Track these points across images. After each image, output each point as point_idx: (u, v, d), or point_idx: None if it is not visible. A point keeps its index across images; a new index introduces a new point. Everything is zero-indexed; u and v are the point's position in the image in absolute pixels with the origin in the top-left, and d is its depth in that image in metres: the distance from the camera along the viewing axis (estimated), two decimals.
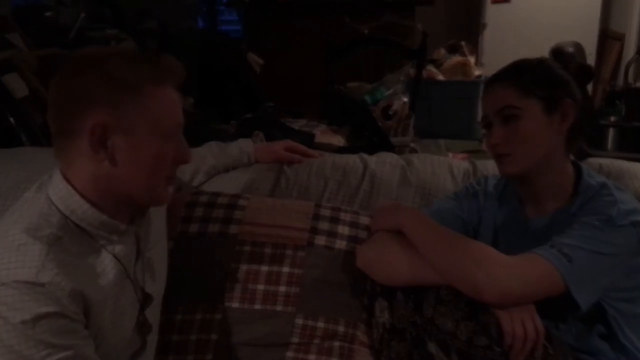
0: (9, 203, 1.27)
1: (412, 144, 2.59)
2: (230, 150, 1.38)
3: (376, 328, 1.16)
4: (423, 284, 1.05)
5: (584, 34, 3.87)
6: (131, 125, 0.85)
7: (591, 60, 3.82)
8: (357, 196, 1.36)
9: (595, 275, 0.98)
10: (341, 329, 1.18)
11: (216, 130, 2.09)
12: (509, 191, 1.20)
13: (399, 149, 2.25)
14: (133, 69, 0.85)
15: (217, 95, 2.51)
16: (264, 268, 1.21)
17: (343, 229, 1.25)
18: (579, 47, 2.79)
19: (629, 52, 3.94)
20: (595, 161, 1.36)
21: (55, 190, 0.87)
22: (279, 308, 1.18)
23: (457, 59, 3.82)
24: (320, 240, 1.23)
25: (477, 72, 3.81)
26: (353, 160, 1.43)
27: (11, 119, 1.80)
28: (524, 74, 1.10)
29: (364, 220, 1.27)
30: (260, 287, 1.20)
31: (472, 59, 3.87)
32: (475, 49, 4.19)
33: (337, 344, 1.17)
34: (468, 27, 4.54)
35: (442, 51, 3.93)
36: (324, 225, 1.25)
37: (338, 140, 2.12)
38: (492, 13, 4.36)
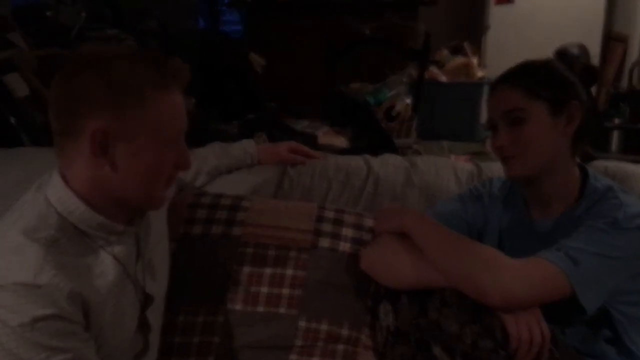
0: (10, 203, 1.25)
1: (414, 146, 2.59)
2: (233, 151, 1.38)
3: (380, 331, 1.15)
4: (427, 287, 1.05)
5: (588, 35, 3.86)
6: (132, 132, 0.84)
7: (595, 62, 3.81)
8: (361, 198, 1.36)
9: (601, 279, 0.97)
10: (345, 331, 1.18)
11: (218, 130, 2.09)
12: (514, 194, 1.19)
13: (401, 150, 2.24)
14: (136, 73, 0.84)
15: (218, 95, 2.51)
16: (267, 270, 1.20)
17: (347, 231, 1.25)
18: (583, 49, 2.78)
19: (633, 54, 3.94)
20: (600, 164, 1.36)
21: (54, 191, 0.87)
22: (282, 310, 1.18)
23: (460, 60, 3.80)
24: (324, 242, 1.23)
25: (480, 74, 3.79)
26: (356, 161, 1.43)
27: (12, 119, 1.79)
28: (529, 76, 1.09)
29: (368, 222, 1.27)
30: (264, 289, 1.19)
31: (475, 60, 3.85)
32: (478, 50, 4.17)
33: (340, 346, 1.17)
34: (471, 28, 4.53)
35: (445, 52, 3.91)
36: (327, 227, 1.24)
37: (341, 142, 2.12)
38: (496, 14, 4.36)
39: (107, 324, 0.88)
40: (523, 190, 1.16)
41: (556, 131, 1.07)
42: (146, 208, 0.96)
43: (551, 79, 1.09)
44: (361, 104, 2.49)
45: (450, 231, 1.10)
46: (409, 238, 1.10)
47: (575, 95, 1.08)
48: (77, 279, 0.83)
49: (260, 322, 1.17)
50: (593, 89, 1.21)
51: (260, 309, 1.18)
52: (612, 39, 4.27)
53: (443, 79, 3.72)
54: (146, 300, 0.99)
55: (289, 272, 1.20)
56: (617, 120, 3.06)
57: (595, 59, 3.74)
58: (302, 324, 1.17)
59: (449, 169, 1.41)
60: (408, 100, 2.66)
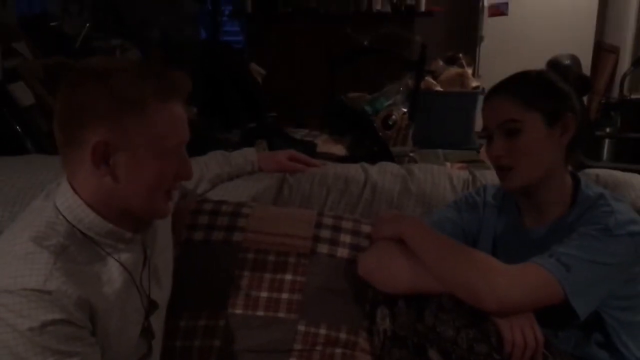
0: (16, 209, 1.28)
1: (411, 154, 2.61)
2: (235, 159, 1.39)
3: (377, 335, 1.16)
4: (424, 292, 1.06)
5: (580, 46, 3.91)
6: (133, 144, 0.85)
7: (586, 72, 3.86)
8: (359, 205, 1.38)
9: (593, 285, 0.99)
10: (343, 336, 1.19)
11: (219, 139, 2.11)
12: (507, 201, 1.21)
13: (398, 158, 2.26)
14: (137, 85, 0.84)
15: (220, 104, 2.53)
16: (267, 275, 1.22)
17: (345, 237, 1.26)
18: (575, 60, 2.82)
19: (624, 65, 3.99)
20: (592, 172, 1.38)
21: (62, 200, 0.88)
22: (281, 315, 1.19)
23: (454, 70, 3.86)
24: (323, 248, 1.25)
25: (474, 84, 3.84)
26: (355, 169, 1.45)
27: (17, 127, 1.80)
28: (524, 87, 1.10)
29: (366, 228, 1.28)
30: (264, 294, 1.21)
31: (469, 71, 3.90)
32: (472, 60, 4.23)
33: (338, 350, 1.18)
34: (466, 39, 4.58)
35: (440, 62, 3.96)
36: (326, 234, 1.26)
37: (339, 150, 2.14)
38: (490, 26, 4.41)
39: (113, 330, 0.90)
40: (517, 198, 1.18)
41: (551, 142, 1.08)
42: (150, 218, 0.97)
43: (546, 90, 1.10)
44: (359, 113, 2.52)
45: (446, 238, 1.11)
46: (406, 244, 1.12)
47: (570, 106, 1.09)
48: (85, 286, 0.84)
49: (260, 326, 1.18)
50: (585, 99, 1.23)
51: (260, 313, 1.19)
52: (603, 50, 4.33)
53: (438, 88, 3.77)
54: (150, 306, 1.00)
55: (289, 277, 1.22)
56: (608, 129, 3.10)
57: (586, 69, 3.80)
58: (301, 328, 1.18)
59: (445, 177, 1.42)
60: (404, 109, 2.69)
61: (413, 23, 3.61)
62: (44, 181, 1.31)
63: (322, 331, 1.19)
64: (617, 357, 1.06)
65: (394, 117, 2.64)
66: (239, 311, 1.19)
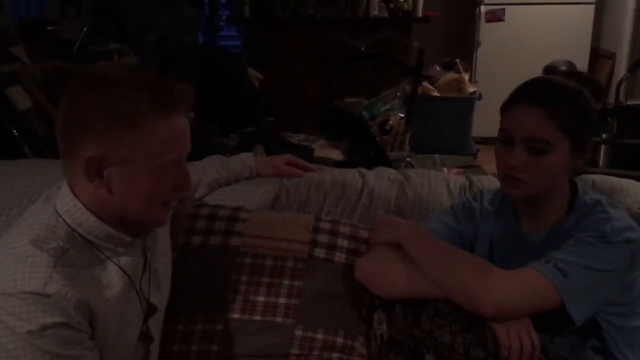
0: (14, 214, 1.28)
1: (408, 159, 2.62)
2: (232, 164, 1.40)
3: (374, 340, 1.17)
4: (421, 297, 1.06)
5: (576, 52, 3.94)
6: (128, 159, 0.84)
7: None
8: (356, 210, 1.38)
9: (589, 291, 0.99)
10: (340, 340, 1.20)
11: (216, 144, 2.11)
12: (505, 206, 1.21)
13: (395, 163, 2.27)
14: (135, 100, 0.82)
15: (217, 109, 2.53)
16: (265, 280, 1.22)
17: (342, 242, 1.27)
18: (572, 66, 2.84)
19: (620, 71, 4.02)
20: (588, 177, 1.39)
21: (63, 203, 0.88)
22: (279, 319, 1.20)
23: (451, 75, 3.87)
24: (320, 252, 1.25)
25: (471, 89, 3.85)
26: (352, 174, 1.45)
27: (14, 131, 1.80)
28: (562, 107, 1.04)
29: (363, 233, 1.29)
30: (261, 298, 1.21)
31: (466, 76, 3.92)
32: (469, 66, 4.24)
33: (335, 355, 1.18)
34: (463, 45, 4.60)
35: (437, 68, 3.98)
36: (323, 238, 1.26)
37: (337, 155, 2.14)
38: (486, 31, 4.44)
39: (112, 333, 0.90)
40: (515, 203, 1.18)
41: (569, 165, 1.07)
42: (147, 226, 0.96)
43: (582, 116, 1.06)
44: (357, 118, 2.52)
45: (443, 243, 1.12)
46: (403, 249, 1.12)
47: (594, 132, 1.08)
48: (85, 290, 0.84)
49: (257, 331, 1.18)
50: None
51: (258, 317, 1.19)
52: (600, 56, 4.36)
53: (435, 94, 3.78)
54: (150, 310, 1.00)
55: (286, 282, 1.22)
56: (604, 135, 3.11)
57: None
58: (299, 332, 1.19)
59: (442, 182, 1.43)
60: (402, 115, 2.70)
61: (410, 28, 3.63)
62: (42, 185, 1.31)
63: (320, 336, 1.19)
64: None
65: (391, 122, 2.65)
66: (236, 316, 1.19)
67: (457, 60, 3.98)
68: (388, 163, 2.01)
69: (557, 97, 1.06)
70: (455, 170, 2.81)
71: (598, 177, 1.39)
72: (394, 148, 2.62)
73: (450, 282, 1.03)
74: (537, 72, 2.88)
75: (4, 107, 1.77)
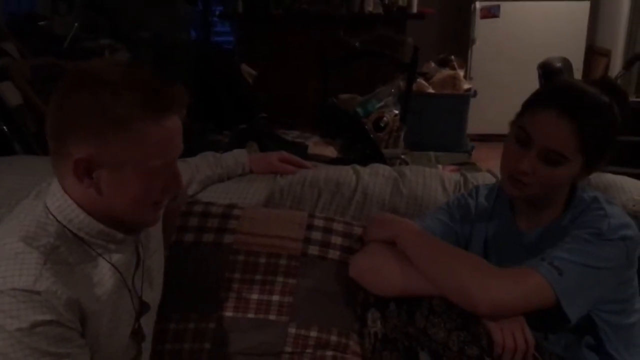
0: (3, 211, 1.26)
1: (402, 156, 2.61)
2: (225, 161, 1.39)
3: (368, 338, 1.16)
4: (416, 295, 1.06)
5: (571, 49, 3.95)
6: (117, 161, 0.83)
7: (578, 75, 3.90)
8: (350, 207, 1.38)
9: (585, 289, 0.99)
10: (334, 338, 1.19)
11: (210, 141, 2.10)
12: (501, 203, 1.21)
13: (389, 160, 2.26)
14: (126, 102, 0.81)
15: (210, 106, 2.52)
16: (258, 277, 1.22)
17: (336, 239, 1.26)
18: (566, 63, 2.84)
19: (615, 68, 4.03)
20: None
21: (53, 200, 0.87)
22: (272, 317, 1.19)
23: (446, 72, 3.87)
24: (314, 250, 1.24)
25: (466, 86, 3.86)
26: (346, 171, 1.44)
27: (4, 127, 1.79)
28: (591, 124, 1.01)
29: (357, 230, 1.28)
30: (254, 296, 1.20)
31: (461, 73, 3.92)
32: (464, 63, 4.24)
33: (329, 353, 1.18)
34: (458, 41, 4.60)
35: (432, 65, 3.98)
36: (317, 236, 1.26)
37: (331, 152, 2.14)
38: (481, 28, 4.44)
39: (104, 331, 0.89)
40: (512, 200, 1.17)
41: (574, 180, 1.07)
42: (138, 226, 0.96)
43: (607, 136, 1.04)
44: (351, 115, 2.52)
45: (439, 241, 1.11)
46: (398, 247, 1.12)
47: (608, 153, 1.06)
48: (76, 287, 0.84)
49: (250, 329, 1.18)
50: None
51: (251, 315, 1.19)
52: (595, 53, 4.37)
53: (430, 90, 3.78)
54: (142, 308, 0.99)
55: (279, 279, 1.22)
56: None
57: (578, 72, 3.83)
58: (292, 330, 1.18)
59: (437, 179, 1.42)
60: (396, 111, 2.69)
61: (405, 25, 3.61)
62: (32, 182, 1.28)
63: (313, 334, 1.19)
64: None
65: (385, 119, 2.64)
66: (229, 314, 1.19)
67: (452, 57, 3.98)
68: (382, 160, 2.01)
69: (588, 114, 1.02)
70: (450, 167, 2.80)
71: (594, 174, 1.38)
72: (388, 145, 2.61)
73: (446, 281, 1.02)
74: (532, 69, 2.89)
75: None
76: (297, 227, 1.27)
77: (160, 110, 0.84)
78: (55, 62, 1.99)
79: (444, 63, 3.97)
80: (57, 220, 0.86)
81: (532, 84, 1.81)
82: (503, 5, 4.38)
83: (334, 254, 1.24)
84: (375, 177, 1.42)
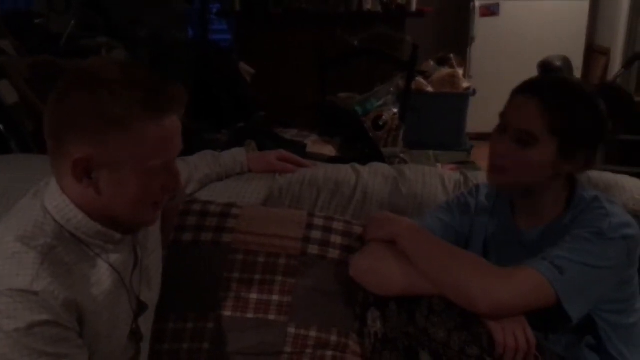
0: (1, 209, 1.25)
1: (401, 155, 2.61)
2: (224, 160, 1.38)
3: (368, 338, 1.16)
4: (416, 294, 1.06)
5: (571, 48, 3.94)
6: (116, 161, 0.83)
7: (577, 74, 3.90)
8: (350, 206, 1.37)
9: (586, 288, 0.99)
10: (333, 338, 1.19)
11: (208, 139, 2.10)
12: (501, 202, 1.20)
13: (388, 159, 2.26)
14: (125, 102, 0.80)
15: (209, 104, 2.51)
16: (257, 277, 1.21)
17: (336, 239, 1.26)
18: (566, 62, 2.84)
19: (615, 67, 4.03)
20: (584, 174, 1.38)
21: (51, 199, 0.87)
22: (271, 317, 1.18)
23: (445, 71, 3.86)
24: (313, 249, 1.24)
25: (465, 84, 3.85)
26: (346, 170, 1.44)
27: (1, 126, 1.78)
28: (559, 105, 1.03)
29: (357, 229, 1.28)
30: (253, 296, 1.20)
31: (460, 71, 3.91)
32: (463, 61, 4.24)
33: (329, 353, 1.18)
34: (457, 39, 4.60)
35: (431, 63, 3.97)
36: (317, 235, 1.25)
37: (329, 151, 2.13)
38: (481, 26, 4.43)
39: (102, 331, 0.89)
40: (511, 199, 1.17)
41: (555, 168, 1.06)
42: (136, 226, 0.95)
43: (581, 123, 1.04)
44: (350, 113, 2.51)
45: (439, 240, 1.11)
46: (398, 246, 1.11)
47: (592, 144, 1.06)
48: (73, 287, 0.83)
49: (249, 329, 1.17)
50: None
51: (250, 315, 1.18)
52: (595, 52, 4.37)
53: (429, 89, 3.77)
54: (140, 308, 0.99)
55: (279, 278, 1.21)
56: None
57: (577, 71, 3.83)
58: (292, 330, 1.18)
59: (437, 178, 1.42)
60: (395, 110, 2.69)
61: (404, 23, 3.61)
62: (28, 181, 1.27)
63: (313, 333, 1.18)
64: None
65: (384, 118, 2.64)
66: (228, 313, 1.18)
67: (451, 56, 3.97)
68: (382, 159, 2.00)
69: (558, 98, 1.04)
70: (450, 166, 2.80)
71: (594, 173, 1.38)
72: (387, 144, 2.61)
73: (446, 281, 1.02)
74: (532, 68, 2.88)
75: None
76: (296, 226, 1.26)
77: (160, 110, 0.83)
78: (52, 60, 1.98)
79: (443, 62, 3.96)
80: (54, 220, 0.86)
81: None
82: (502, 3, 4.38)
83: (333, 253, 1.24)
84: (375, 176, 1.42)
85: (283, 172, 1.41)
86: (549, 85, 1.08)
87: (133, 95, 0.81)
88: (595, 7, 4.44)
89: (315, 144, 2.17)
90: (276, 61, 3.43)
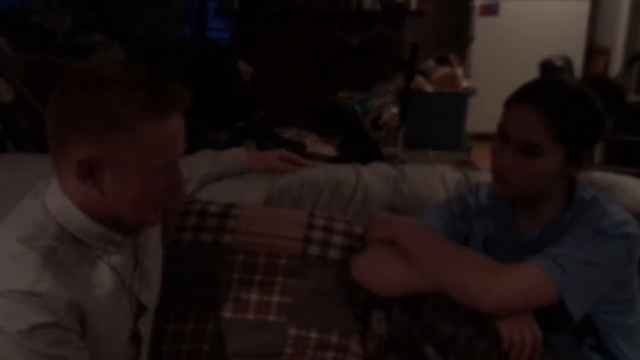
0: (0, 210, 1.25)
1: (401, 155, 2.61)
2: (224, 159, 1.38)
3: (372, 339, 1.16)
4: (419, 293, 1.06)
5: (571, 47, 3.94)
6: (120, 162, 0.82)
7: (578, 74, 3.89)
8: (350, 206, 1.36)
9: (587, 286, 0.99)
10: (334, 339, 1.18)
11: (207, 138, 2.09)
12: (501, 202, 1.20)
13: (388, 159, 2.25)
14: (129, 103, 0.80)
15: (207, 104, 2.50)
16: (257, 278, 1.20)
17: (337, 239, 1.25)
18: (567, 61, 2.84)
19: (615, 67, 4.03)
20: (585, 175, 1.37)
21: (52, 200, 0.86)
22: (272, 318, 1.18)
23: (445, 70, 3.85)
24: (314, 249, 1.23)
25: (465, 84, 3.84)
26: (346, 170, 1.43)
27: None
28: (562, 114, 1.02)
29: (358, 229, 1.27)
30: (254, 296, 1.19)
31: (460, 71, 3.90)
32: (463, 60, 4.23)
33: (330, 354, 1.17)
34: (457, 39, 4.59)
35: (431, 63, 3.96)
36: (317, 235, 1.25)
37: (329, 150, 2.13)
38: (481, 26, 4.43)
39: (103, 333, 0.89)
40: (512, 199, 1.16)
41: (561, 173, 1.06)
42: (138, 226, 0.95)
43: (584, 127, 1.04)
44: (349, 113, 2.51)
45: (440, 239, 1.11)
46: (399, 246, 1.11)
47: (594, 144, 1.06)
48: (75, 289, 0.83)
49: (250, 330, 1.17)
50: None
51: (250, 316, 1.18)
52: (595, 51, 4.37)
53: (429, 88, 3.77)
54: (140, 310, 0.98)
55: (279, 279, 1.20)
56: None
57: (578, 70, 3.82)
58: (292, 331, 1.17)
59: (437, 178, 1.41)
60: (395, 110, 2.69)
61: (404, 22, 3.61)
62: (25, 180, 1.26)
63: (313, 335, 1.18)
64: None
65: (384, 117, 2.64)
66: (228, 314, 1.18)
67: (451, 55, 3.96)
68: (381, 158, 2.00)
69: (559, 104, 1.03)
70: (449, 166, 2.80)
71: (596, 174, 1.38)
72: (387, 144, 2.61)
73: (448, 280, 1.02)
74: (532, 67, 2.88)
75: None
76: (296, 226, 1.25)
77: (163, 111, 0.83)
78: (49, 59, 1.97)
79: (442, 61, 3.95)
80: (56, 221, 0.85)
81: None
82: (502, 3, 4.38)
83: (334, 254, 1.23)
84: (375, 176, 1.41)
85: (283, 172, 1.41)
86: (545, 91, 1.07)
87: (137, 96, 0.81)
88: (596, 7, 4.44)
89: (314, 144, 2.17)
90: (275, 60, 3.43)
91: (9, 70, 1.82)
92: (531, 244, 1.10)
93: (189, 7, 4.07)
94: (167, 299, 1.10)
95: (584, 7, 4.35)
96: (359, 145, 2.22)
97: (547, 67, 2.53)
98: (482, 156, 3.42)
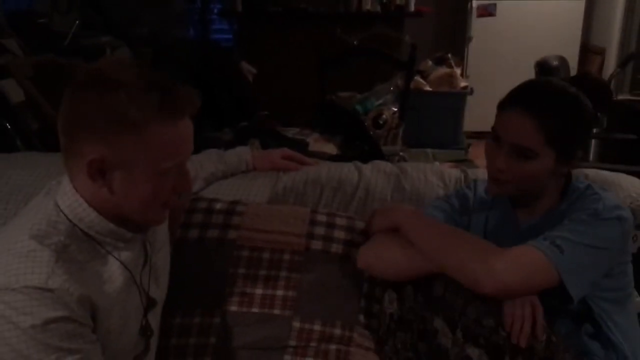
0: (10, 207, 1.27)
1: (401, 153, 2.63)
2: (229, 158, 1.39)
3: (382, 317, 1.18)
4: (426, 276, 1.08)
5: (566, 47, 3.97)
6: (130, 162, 0.84)
7: (573, 73, 3.92)
8: (352, 203, 1.39)
9: (586, 267, 1.01)
10: (337, 331, 1.20)
11: (210, 138, 2.11)
12: (500, 196, 1.21)
13: (388, 158, 2.27)
14: (140, 105, 0.81)
15: (210, 103, 2.52)
16: (262, 272, 1.23)
17: (339, 234, 1.27)
18: (563, 61, 2.87)
19: (610, 66, 4.06)
20: (580, 172, 1.40)
21: (64, 198, 0.88)
22: (276, 312, 1.20)
23: (443, 70, 3.87)
24: (317, 245, 1.25)
25: (463, 84, 3.87)
26: (348, 168, 1.45)
27: (7, 124, 1.78)
28: (554, 118, 1.04)
29: (359, 224, 1.30)
30: (258, 291, 1.21)
31: (458, 71, 3.93)
32: (461, 61, 4.25)
33: (333, 346, 1.19)
34: (454, 39, 4.62)
35: (429, 63, 3.98)
36: (320, 230, 1.27)
37: (331, 149, 2.14)
38: (478, 26, 4.46)
39: (114, 327, 0.90)
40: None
41: (554, 173, 1.09)
42: (146, 225, 0.97)
43: (574, 130, 1.07)
44: (350, 112, 2.53)
45: (441, 224, 1.14)
46: (401, 233, 1.13)
47: (585, 143, 1.10)
48: (86, 284, 0.85)
49: (255, 323, 1.19)
50: None
51: (255, 310, 1.20)
52: (589, 52, 4.40)
53: (427, 88, 3.79)
54: (149, 304, 1.00)
55: (283, 274, 1.23)
56: (595, 130, 3.15)
57: (573, 70, 3.85)
58: (296, 324, 1.19)
59: (437, 175, 1.44)
60: (395, 109, 2.70)
61: (403, 23, 3.63)
62: (38, 179, 1.30)
63: (317, 327, 1.20)
64: (608, 347, 1.08)
65: (384, 116, 2.65)
66: (234, 308, 1.20)
67: (449, 55, 3.99)
68: (382, 157, 2.02)
69: (551, 109, 1.05)
70: (448, 164, 2.82)
71: (591, 172, 1.40)
72: (387, 142, 2.63)
73: (451, 263, 1.04)
74: (528, 67, 2.91)
75: None
76: (300, 222, 1.28)
77: (175, 113, 0.84)
78: (56, 60, 1.99)
79: (440, 61, 3.97)
80: (67, 218, 0.87)
81: None
82: (499, 4, 4.40)
83: (337, 248, 1.26)
84: (377, 173, 1.43)
85: (287, 170, 1.43)
86: (536, 95, 1.09)
87: (149, 98, 0.82)
88: (591, 7, 4.47)
89: (316, 142, 2.18)
90: (276, 61, 3.44)
91: (18, 71, 1.84)
92: (529, 233, 1.11)
93: (192, 9, 4.08)
94: (174, 294, 1.12)
95: (579, 7, 4.37)
96: (360, 144, 2.23)
97: (542, 66, 2.56)
98: (480, 154, 3.42)
